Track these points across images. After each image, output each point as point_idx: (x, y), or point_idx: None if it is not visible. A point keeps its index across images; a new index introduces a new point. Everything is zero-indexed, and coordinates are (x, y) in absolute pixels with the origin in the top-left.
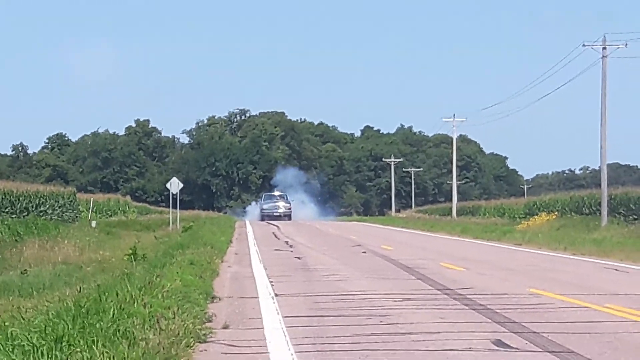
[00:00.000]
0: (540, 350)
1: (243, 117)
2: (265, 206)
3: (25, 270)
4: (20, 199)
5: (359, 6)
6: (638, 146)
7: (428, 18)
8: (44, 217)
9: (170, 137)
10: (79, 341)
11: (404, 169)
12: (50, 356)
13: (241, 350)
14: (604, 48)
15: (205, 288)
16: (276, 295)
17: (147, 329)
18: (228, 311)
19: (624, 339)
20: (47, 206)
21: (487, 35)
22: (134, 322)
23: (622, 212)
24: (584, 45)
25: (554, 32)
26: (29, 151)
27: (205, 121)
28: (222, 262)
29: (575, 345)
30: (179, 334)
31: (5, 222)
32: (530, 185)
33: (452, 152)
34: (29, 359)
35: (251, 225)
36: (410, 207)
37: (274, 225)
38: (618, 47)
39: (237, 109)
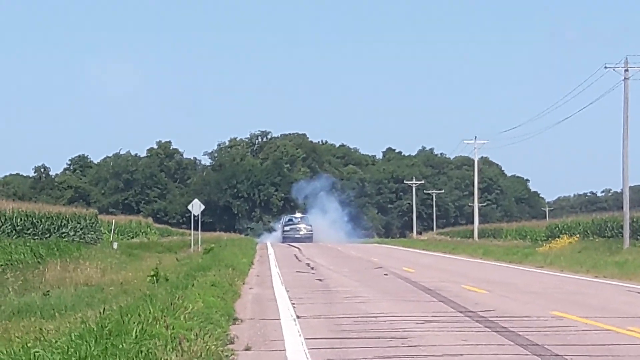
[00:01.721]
0: None
1: (264, 139)
2: (286, 228)
3: (47, 291)
4: (43, 220)
5: (380, 29)
6: None
7: (449, 41)
8: (66, 239)
9: (192, 158)
10: None
11: (425, 191)
12: None
13: None
14: (626, 70)
15: (227, 310)
16: (298, 317)
17: (169, 350)
18: (250, 333)
19: None
20: (69, 228)
21: (509, 57)
22: (156, 343)
23: None
24: (605, 67)
25: (576, 53)
26: (51, 173)
27: (227, 143)
28: (243, 283)
29: None
30: (201, 355)
31: (28, 244)
32: (552, 208)
33: (473, 175)
34: None
35: (272, 247)
36: (432, 229)
37: (295, 247)
38: None
39: (259, 130)
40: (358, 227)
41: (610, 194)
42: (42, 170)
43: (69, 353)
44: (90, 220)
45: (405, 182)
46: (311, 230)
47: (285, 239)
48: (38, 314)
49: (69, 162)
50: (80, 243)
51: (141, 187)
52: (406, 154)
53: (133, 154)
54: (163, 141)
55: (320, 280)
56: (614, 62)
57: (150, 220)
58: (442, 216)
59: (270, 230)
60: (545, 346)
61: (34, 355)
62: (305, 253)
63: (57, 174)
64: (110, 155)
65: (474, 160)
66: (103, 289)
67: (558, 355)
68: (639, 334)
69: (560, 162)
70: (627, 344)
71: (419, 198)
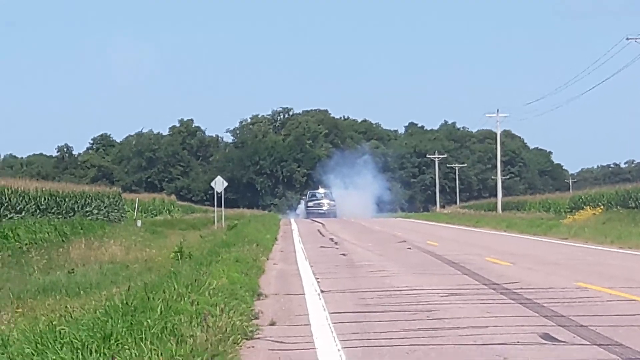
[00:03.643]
0: (588, 343)
1: (286, 116)
2: (310, 204)
3: (72, 269)
4: (66, 199)
5: (400, 4)
6: None
7: (469, 14)
8: (90, 217)
9: (214, 136)
10: (127, 339)
11: (448, 165)
12: (98, 353)
13: (288, 347)
14: None
15: (252, 285)
16: (322, 291)
17: (194, 326)
18: (274, 308)
19: None
20: (93, 206)
21: (530, 29)
22: (181, 319)
23: None
24: (627, 39)
25: (599, 25)
26: (74, 152)
27: (249, 120)
28: (267, 259)
29: (623, 338)
30: (226, 330)
31: (52, 223)
32: (575, 180)
33: (496, 148)
34: (77, 357)
35: (296, 223)
36: (455, 202)
37: (318, 222)
38: None
39: (281, 107)
40: (382, 202)
41: (633, 165)
42: (65, 149)
43: (95, 330)
44: (114, 198)
45: (427, 156)
46: (335, 206)
47: (309, 215)
48: (63, 292)
49: (92, 141)
50: (104, 221)
51: (164, 165)
52: (428, 128)
53: (155, 132)
54: (185, 119)
55: (344, 254)
56: (637, 33)
57: (173, 197)
58: (465, 190)
59: (294, 206)
60: (571, 317)
61: (60, 332)
62: (329, 228)
63: (80, 153)
64: (132, 134)
65: (496, 134)
66: (127, 266)
67: (583, 326)
68: None
69: (583, 133)
70: None
71: (441, 172)
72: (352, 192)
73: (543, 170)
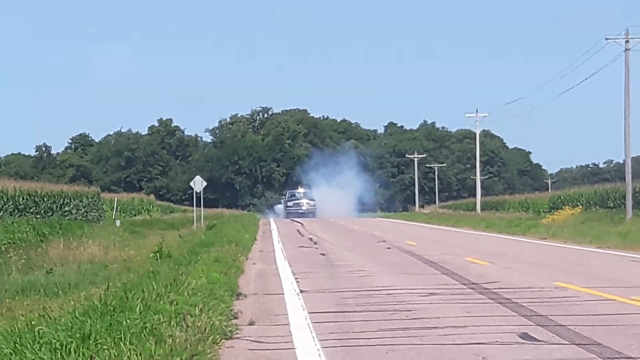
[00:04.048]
0: (567, 342)
1: (265, 115)
2: (289, 203)
3: (50, 269)
4: (45, 199)
5: (380, 3)
6: None
7: (450, 14)
8: (68, 217)
9: (193, 135)
10: (106, 339)
11: (427, 165)
12: (77, 353)
13: (267, 347)
14: (627, 41)
15: (231, 285)
16: (301, 291)
17: (173, 326)
18: (254, 308)
19: None
20: (72, 206)
21: (509, 30)
22: (160, 319)
23: None
24: (606, 39)
25: (577, 27)
26: (53, 152)
27: (228, 120)
28: (246, 259)
29: (602, 337)
30: (205, 330)
31: (30, 223)
32: (554, 180)
33: (475, 148)
34: (56, 357)
35: (275, 222)
36: (434, 202)
37: (298, 222)
38: None
39: (260, 107)
40: (362, 202)
41: (612, 165)
42: (44, 149)
43: (73, 330)
44: (93, 198)
45: (407, 156)
46: (314, 206)
47: (288, 215)
48: (42, 292)
49: (70, 141)
50: (83, 221)
51: (143, 164)
52: (408, 128)
53: (134, 132)
54: (164, 119)
55: (323, 254)
56: (615, 34)
57: (152, 197)
58: (445, 189)
59: (273, 206)
60: (549, 317)
61: (38, 332)
62: (308, 228)
63: (58, 153)
64: (111, 133)
65: (475, 133)
66: (106, 266)
67: (562, 325)
68: None
69: (562, 134)
70: (631, 313)
71: (421, 172)
72: (332, 191)
73: (522, 170)
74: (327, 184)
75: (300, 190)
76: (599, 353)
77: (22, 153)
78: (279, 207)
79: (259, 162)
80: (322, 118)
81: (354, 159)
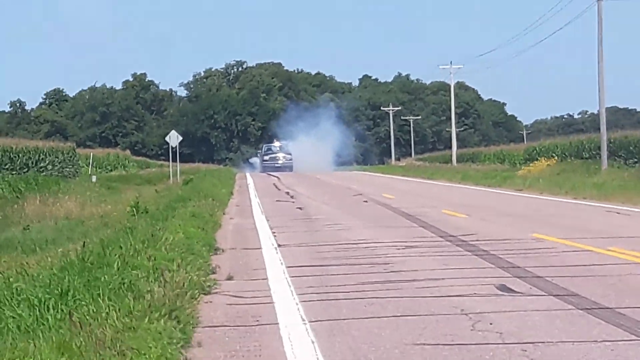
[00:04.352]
0: (545, 294)
1: (240, 69)
2: (265, 157)
3: (27, 226)
4: (20, 155)
5: None
6: (637, 89)
7: None
8: (44, 173)
9: (168, 90)
10: (84, 295)
11: (402, 118)
12: (56, 310)
13: (246, 301)
14: None
15: (208, 240)
16: (279, 245)
17: (151, 281)
18: (231, 263)
19: (627, 281)
20: (47, 162)
21: None
22: (138, 275)
23: (622, 155)
24: None
25: None
26: (27, 107)
27: (202, 73)
28: (223, 214)
29: (579, 288)
30: (183, 285)
31: (6, 179)
32: (529, 131)
33: (450, 100)
34: (35, 313)
35: (252, 177)
36: (410, 155)
37: (274, 176)
38: None
39: (234, 60)
40: (338, 155)
41: (587, 116)
42: (18, 105)
43: (51, 286)
44: (68, 154)
45: (382, 108)
46: (291, 159)
47: (264, 169)
48: (19, 249)
49: (45, 97)
50: (59, 177)
51: (118, 119)
52: (382, 81)
53: (109, 87)
54: (138, 73)
55: (300, 208)
56: None
57: (128, 152)
58: (420, 142)
59: (249, 159)
60: (527, 268)
61: (16, 289)
62: (285, 182)
63: (33, 109)
64: (85, 88)
65: (450, 86)
66: (83, 222)
67: (539, 276)
68: (619, 253)
69: (537, 85)
70: (607, 264)
71: (396, 124)
72: (309, 145)
73: (497, 122)
74: (303, 138)
75: (277, 144)
76: (576, 304)
77: None
78: (255, 160)
79: (234, 116)
80: (296, 71)
81: (330, 112)
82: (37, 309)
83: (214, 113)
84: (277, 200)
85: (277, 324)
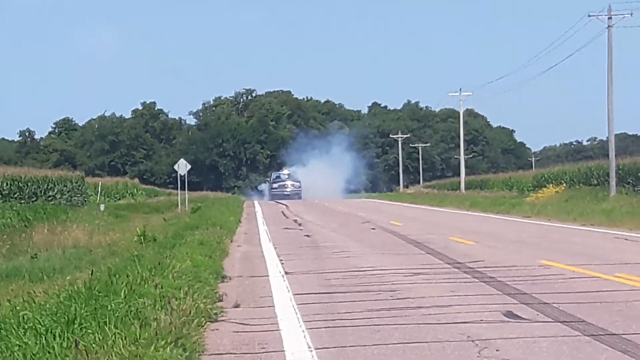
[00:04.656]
0: (552, 320)
1: (249, 97)
2: (274, 185)
3: (35, 255)
4: (29, 184)
5: None
6: None
7: None
8: (52, 202)
9: (177, 118)
10: (90, 323)
11: (411, 145)
12: (62, 338)
13: (253, 329)
14: (609, 18)
15: (216, 268)
16: (286, 273)
17: (158, 309)
18: (239, 290)
19: (634, 308)
20: (56, 191)
21: (492, 8)
22: (145, 302)
23: (631, 181)
24: (589, 16)
25: (560, 4)
26: (36, 136)
27: (212, 102)
28: (231, 241)
29: (586, 314)
30: (190, 313)
31: (14, 208)
32: (538, 158)
33: (459, 127)
34: (41, 342)
35: (260, 205)
36: (418, 182)
37: (282, 204)
38: (623, 17)
39: (244, 89)
40: (346, 183)
41: (596, 142)
42: (27, 134)
43: (58, 315)
44: (77, 182)
45: (391, 136)
46: (300, 187)
47: (273, 197)
48: (26, 278)
49: (54, 126)
50: (67, 206)
51: (127, 148)
52: (392, 108)
53: (118, 115)
54: (148, 102)
55: (308, 236)
56: (598, 10)
57: (136, 181)
58: (429, 169)
59: (257, 188)
60: (534, 295)
61: (23, 317)
62: (293, 210)
63: (42, 138)
64: (94, 117)
65: (459, 113)
66: (91, 250)
67: (546, 303)
68: (626, 279)
69: (546, 112)
70: (614, 290)
71: (405, 152)
72: (318, 173)
73: (506, 149)
74: (312, 166)
75: (285, 172)
76: (583, 330)
77: (6, 138)
78: (264, 187)
79: (243, 144)
80: (305, 99)
81: (339, 140)
82: (44, 337)
83: (223, 141)
84: (284, 228)
85: (284, 351)
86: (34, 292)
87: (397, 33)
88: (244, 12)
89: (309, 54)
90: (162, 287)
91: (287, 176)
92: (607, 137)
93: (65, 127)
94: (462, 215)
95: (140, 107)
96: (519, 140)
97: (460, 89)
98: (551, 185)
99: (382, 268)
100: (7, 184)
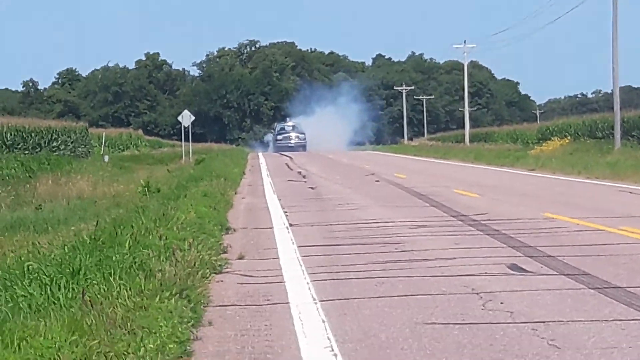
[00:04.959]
0: (556, 273)
1: (253, 48)
2: (278, 137)
3: (39, 205)
4: (33, 135)
5: None
6: None
7: None
8: (56, 153)
9: (181, 69)
10: (95, 274)
11: (415, 97)
12: (67, 289)
13: (257, 280)
14: None
15: (220, 219)
16: (290, 225)
17: (162, 260)
18: (243, 242)
19: (639, 261)
20: (60, 142)
21: None
22: (149, 254)
23: (636, 135)
24: None
25: None
26: (40, 87)
27: (215, 53)
28: (235, 193)
29: (590, 267)
30: (194, 265)
31: (18, 159)
32: (542, 111)
33: (463, 79)
34: (46, 292)
35: (264, 156)
36: (423, 135)
37: (286, 156)
38: None
39: (247, 40)
40: (351, 135)
41: (600, 95)
42: (31, 84)
43: (63, 265)
44: (81, 133)
45: (395, 88)
46: (304, 139)
47: (278, 149)
48: (31, 228)
49: (58, 76)
50: (71, 157)
51: (130, 99)
52: (396, 60)
53: (121, 66)
54: (151, 52)
55: (312, 188)
56: None
57: (140, 132)
58: (433, 122)
59: (262, 139)
60: (538, 247)
61: (28, 268)
62: (297, 162)
63: (45, 88)
64: (98, 68)
65: (463, 65)
66: (95, 202)
67: (551, 256)
68: (631, 232)
69: (550, 64)
70: (619, 243)
71: (409, 104)
72: (322, 125)
73: (510, 101)
74: (316, 117)
75: (290, 123)
76: (587, 283)
77: (9, 88)
78: (269, 140)
79: (247, 96)
80: (309, 50)
81: (343, 92)
82: (49, 288)
83: (227, 93)
84: (289, 180)
85: (288, 303)
86: (39, 243)
87: None
88: None
89: (313, 5)
90: (166, 239)
91: (291, 128)
92: (612, 90)
93: (68, 77)
94: (466, 167)
95: (143, 58)
96: (523, 93)
97: (465, 41)
98: (556, 138)
99: (386, 220)
100: (10, 134)
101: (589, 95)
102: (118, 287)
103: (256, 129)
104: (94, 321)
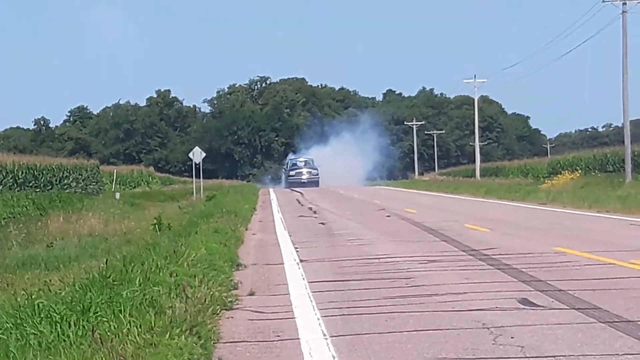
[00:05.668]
0: (567, 307)
1: (264, 85)
2: (290, 172)
3: (51, 243)
4: (44, 172)
5: None
6: None
7: None
8: (68, 191)
9: (192, 106)
10: (106, 311)
11: (426, 132)
12: (77, 326)
13: (267, 317)
14: (624, 3)
15: (231, 256)
16: (301, 261)
17: (173, 297)
18: (254, 278)
19: None
20: (71, 179)
21: None
22: (160, 291)
23: None
24: (603, 1)
25: None
26: (51, 125)
27: (226, 89)
28: (246, 229)
29: (601, 301)
30: (205, 301)
31: (30, 197)
32: (553, 145)
33: (474, 114)
34: (56, 330)
35: (275, 192)
36: (434, 169)
37: (297, 192)
38: (638, 2)
39: (258, 76)
40: (363, 170)
41: (611, 129)
42: (42, 122)
43: (73, 303)
44: (92, 171)
45: (405, 123)
46: (317, 175)
47: (289, 185)
48: (42, 266)
49: (69, 114)
50: (83, 194)
51: (141, 136)
52: (406, 95)
53: (133, 103)
54: (162, 90)
55: (323, 223)
56: None
57: (151, 169)
58: (444, 156)
59: (272, 175)
60: (549, 282)
61: (39, 306)
62: (308, 197)
63: (57, 126)
64: (109, 105)
65: (474, 99)
66: (106, 239)
67: (562, 290)
68: None
69: (561, 98)
70: (630, 277)
71: (420, 139)
72: (334, 160)
73: (521, 136)
74: (328, 153)
75: (302, 158)
76: (598, 317)
77: (21, 127)
78: (280, 177)
79: (257, 132)
80: (320, 86)
81: (354, 127)
82: (59, 325)
83: (238, 129)
84: (299, 216)
85: (299, 339)
86: (50, 280)
87: (412, 19)
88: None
89: (323, 41)
90: (177, 275)
91: (303, 163)
92: (623, 124)
93: (80, 115)
94: (477, 202)
95: (155, 95)
96: (534, 127)
97: (475, 76)
98: (566, 172)
99: (397, 255)
100: (22, 172)
101: (600, 129)
102: (128, 324)
103: (267, 165)
104: (104, 358)
